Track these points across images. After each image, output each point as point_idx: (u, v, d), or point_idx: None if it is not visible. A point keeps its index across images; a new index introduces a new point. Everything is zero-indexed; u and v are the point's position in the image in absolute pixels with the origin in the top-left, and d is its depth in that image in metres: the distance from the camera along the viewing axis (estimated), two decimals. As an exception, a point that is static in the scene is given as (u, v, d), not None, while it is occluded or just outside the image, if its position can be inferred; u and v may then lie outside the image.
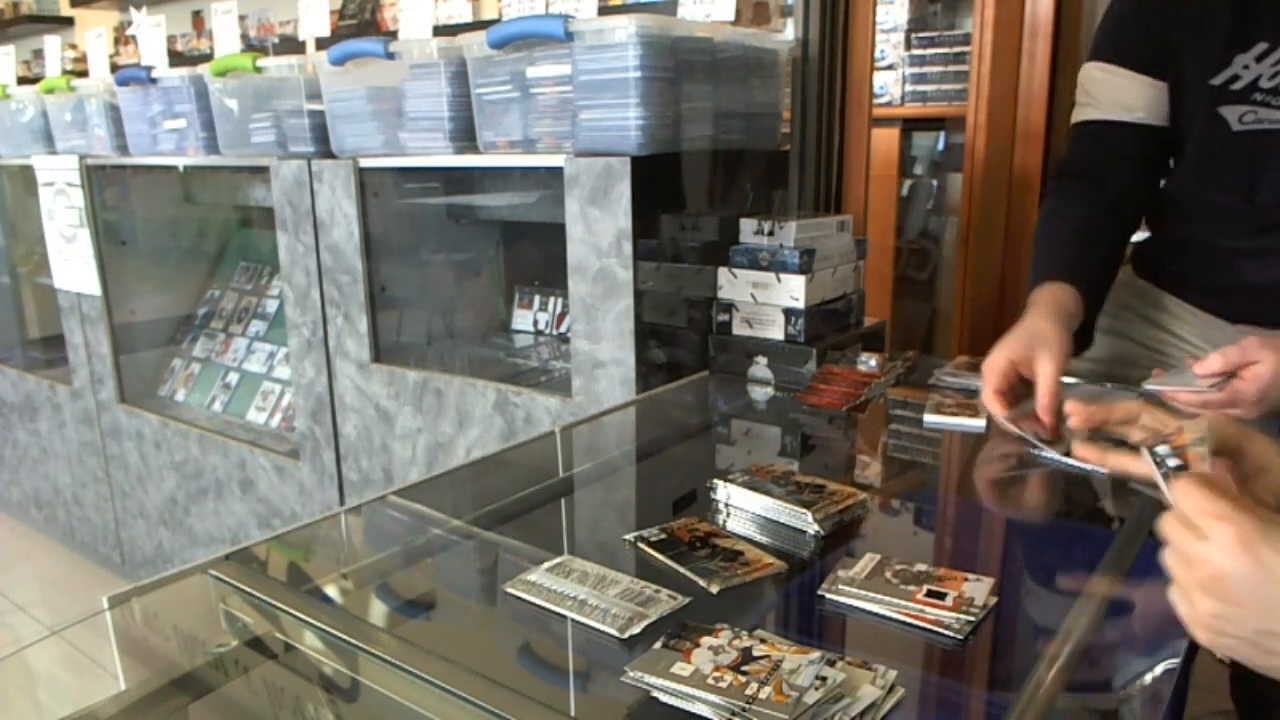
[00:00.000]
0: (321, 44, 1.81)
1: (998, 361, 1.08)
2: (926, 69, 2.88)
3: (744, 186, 1.67)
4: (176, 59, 3.65)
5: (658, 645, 0.68)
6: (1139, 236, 1.50)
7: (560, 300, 2.09)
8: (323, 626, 0.76)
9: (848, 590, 0.76)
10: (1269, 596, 0.55)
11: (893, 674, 0.64)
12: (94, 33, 2.38)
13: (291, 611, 0.79)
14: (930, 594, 0.74)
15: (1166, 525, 0.61)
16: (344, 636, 0.74)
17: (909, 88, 2.92)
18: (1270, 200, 1.19)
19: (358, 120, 1.69)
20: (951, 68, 2.82)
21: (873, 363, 1.37)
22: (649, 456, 1.24)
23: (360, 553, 1.01)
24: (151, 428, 2.31)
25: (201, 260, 2.71)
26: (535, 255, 2.15)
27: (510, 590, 0.79)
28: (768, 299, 1.41)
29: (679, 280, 1.46)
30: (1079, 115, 1.33)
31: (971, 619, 0.71)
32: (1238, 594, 0.56)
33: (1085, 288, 1.20)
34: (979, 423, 1.17)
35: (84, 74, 2.31)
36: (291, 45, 4.46)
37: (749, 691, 0.61)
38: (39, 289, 2.90)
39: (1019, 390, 1.09)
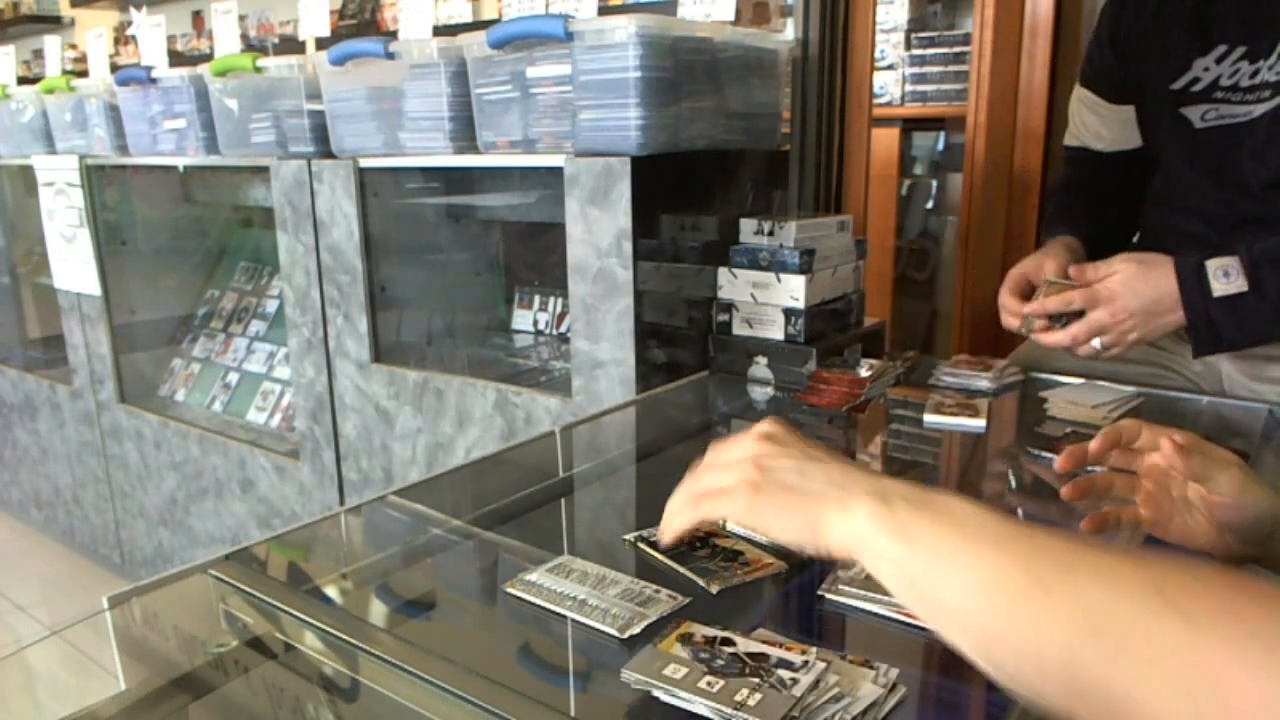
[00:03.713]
0: (321, 44, 1.80)
1: (1014, 271, 1.32)
2: (926, 69, 2.88)
3: (744, 186, 1.67)
4: (176, 59, 3.63)
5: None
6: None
7: (560, 300, 2.09)
8: (323, 626, 0.76)
9: (848, 590, 0.76)
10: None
11: (894, 672, 0.64)
12: (94, 33, 2.38)
13: (291, 611, 0.78)
14: (930, 594, 0.74)
15: None
16: (344, 636, 0.74)
17: (909, 88, 2.92)
18: (1240, 191, 1.21)
19: (358, 120, 1.69)
20: (951, 68, 2.82)
21: (866, 372, 1.35)
22: (649, 456, 1.24)
23: (360, 553, 1.00)
24: (151, 428, 2.31)
25: (201, 260, 2.71)
26: (535, 255, 2.15)
27: (510, 590, 0.79)
28: (768, 299, 1.41)
29: (679, 280, 1.46)
30: (1067, 138, 1.48)
31: (971, 619, 0.71)
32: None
33: (1088, 237, 1.37)
34: (979, 423, 1.17)
35: (84, 74, 2.31)
36: (291, 45, 4.45)
37: (749, 691, 0.61)
38: (39, 289, 2.90)
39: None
